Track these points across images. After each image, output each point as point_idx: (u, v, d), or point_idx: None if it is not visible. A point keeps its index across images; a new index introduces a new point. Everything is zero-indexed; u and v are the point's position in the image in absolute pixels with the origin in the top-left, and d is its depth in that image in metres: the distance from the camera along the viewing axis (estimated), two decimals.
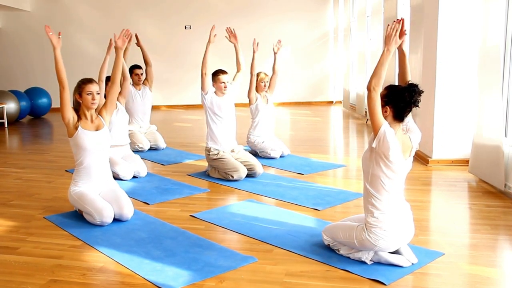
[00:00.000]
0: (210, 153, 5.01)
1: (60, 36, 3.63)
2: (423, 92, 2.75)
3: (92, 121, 3.79)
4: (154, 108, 10.28)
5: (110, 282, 2.77)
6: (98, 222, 3.60)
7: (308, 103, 12.69)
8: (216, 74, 5.03)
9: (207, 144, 5.08)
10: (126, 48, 6.36)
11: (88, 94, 3.70)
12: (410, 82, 2.86)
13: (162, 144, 6.66)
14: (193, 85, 11.97)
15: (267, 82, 5.95)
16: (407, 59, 2.99)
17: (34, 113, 10.76)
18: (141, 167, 5.09)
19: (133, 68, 6.58)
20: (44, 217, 3.86)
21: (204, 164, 5.47)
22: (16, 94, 9.99)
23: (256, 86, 5.88)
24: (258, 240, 3.29)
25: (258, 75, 5.89)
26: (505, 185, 4.22)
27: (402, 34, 2.74)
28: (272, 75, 6.02)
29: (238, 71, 5.26)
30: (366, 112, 9.07)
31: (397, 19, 2.76)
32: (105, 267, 2.95)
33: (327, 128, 9.08)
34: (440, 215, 3.86)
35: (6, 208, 4.17)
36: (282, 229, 3.48)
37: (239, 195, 4.44)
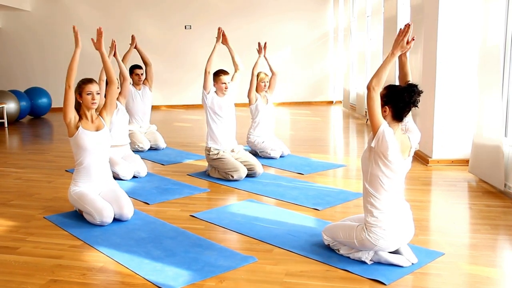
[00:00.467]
0: (210, 153, 5.01)
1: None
2: (422, 92, 2.76)
3: (92, 121, 3.79)
4: (154, 108, 10.28)
5: (110, 282, 2.77)
6: (98, 222, 3.60)
7: (308, 103, 12.69)
8: (217, 74, 5.03)
9: (207, 144, 5.08)
10: (128, 50, 6.39)
11: (88, 94, 3.71)
12: (409, 82, 2.86)
13: (162, 144, 6.66)
14: (193, 85, 11.98)
15: (267, 82, 5.95)
16: (408, 62, 2.99)
17: (34, 113, 10.76)
18: (141, 167, 5.10)
19: (133, 68, 6.59)
20: (44, 217, 3.86)
21: (204, 164, 5.47)
22: (16, 94, 9.99)
23: (256, 86, 5.88)
24: (258, 240, 3.29)
25: (258, 75, 5.89)
26: (505, 185, 4.22)
27: (409, 41, 2.74)
28: (272, 76, 6.02)
29: (235, 71, 5.26)
30: (366, 112, 9.07)
31: (408, 23, 2.74)
32: (105, 267, 2.94)
33: (327, 128, 9.08)
34: (440, 215, 3.86)
35: (6, 208, 4.17)
36: (282, 229, 3.48)
37: (239, 195, 4.44)
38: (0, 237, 3.46)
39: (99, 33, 3.86)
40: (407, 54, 2.97)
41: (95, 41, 3.90)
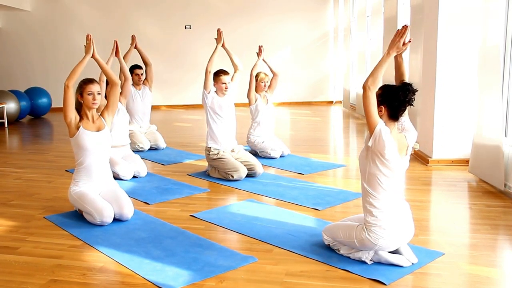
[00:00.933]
0: (210, 152, 5.01)
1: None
2: (417, 90, 2.78)
3: (93, 121, 3.79)
4: (154, 108, 10.28)
5: (110, 282, 2.77)
6: (98, 222, 3.60)
7: (308, 103, 12.69)
8: (217, 74, 5.03)
9: (207, 144, 5.08)
10: (128, 50, 6.38)
11: (89, 94, 3.70)
12: (404, 81, 2.87)
13: (162, 144, 6.66)
14: (193, 85, 11.98)
15: (267, 82, 5.95)
16: (403, 63, 3.00)
17: (34, 113, 10.76)
18: (141, 167, 5.10)
19: (133, 68, 6.59)
20: (44, 217, 3.86)
21: (204, 164, 5.47)
22: (16, 94, 9.99)
23: (256, 86, 5.88)
24: (258, 240, 3.29)
25: (258, 75, 5.89)
26: (505, 185, 4.22)
27: (406, 43, 2.76)
28: (273, 77, 6.02)
29: (235, 71, 5.26)
30: None
31: (405, 25, 2.77)
32: (105, 267, 2.95)
33: (327, 128, 9.08)
34: (440, 215, 3.86)
35: (6, 208, 4.17)
36: (282, 229, 3.48)
37: (239, 195, 4.44)
38: (0, 237, 3.46)
39: (89, 40, 3.81)
40: (403, 55, 2.98)
41: (85, 46, 3.82)
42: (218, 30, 5.18)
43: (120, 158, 5.12)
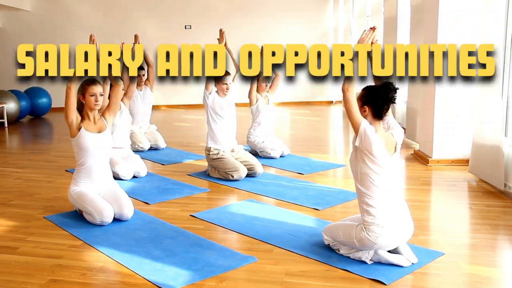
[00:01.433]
0: (210, 152, 5.01)
1: None
2: (398, 89, 2.84)
3: (95, 122, 3.78)
4: (154, 108, 10.24)
5: (110, 282, 2.77)
6: (98, 222, 3.60)
7: (308, 103, 12.69)
8: None
9: (207, 144, 5.08)
10: (132, 50, 6.35)
11: (91, 95, 3.68)
12: (385, 81, 2.92)
13: (162, 144, 6.66)
14: (193, 85, 11.96)
15: (268, 82, 5.94)
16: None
17: (34, 113, 10.75)
18: (141, 167, 5.09)
19: None
20: (44, 217, 3.86)
21: (204, 164, 5.47)
22: (16, 94, 9.99)
23: (258, 86, 5.87)
24: (258, 240, 3.29)
25: (259, 75, 5.87)
26: (505, 185, 4.22)
27: (373, 42, 2.89)
28: (275, 77, 6.00)
29: (236, 71, 5.25)
30: None
31: (372, 27, 2.90)
32: (105, 267, 2.95)
33: (327, 128, 9.09)
34: (440, 215, 3.86)
35: (6, 208, 4.17)
36: (282, 229, 3.48)
37: (239, 195, 4.45)
38: (0, 237, 3.47)
39: (92, 40, 3.80)
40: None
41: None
42: (221, 30, 5.17)
43: (120, 158, 5.11)
